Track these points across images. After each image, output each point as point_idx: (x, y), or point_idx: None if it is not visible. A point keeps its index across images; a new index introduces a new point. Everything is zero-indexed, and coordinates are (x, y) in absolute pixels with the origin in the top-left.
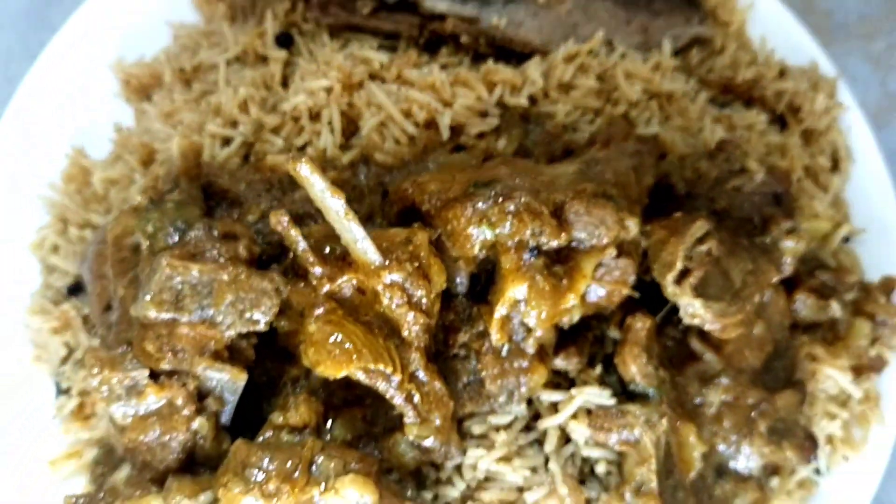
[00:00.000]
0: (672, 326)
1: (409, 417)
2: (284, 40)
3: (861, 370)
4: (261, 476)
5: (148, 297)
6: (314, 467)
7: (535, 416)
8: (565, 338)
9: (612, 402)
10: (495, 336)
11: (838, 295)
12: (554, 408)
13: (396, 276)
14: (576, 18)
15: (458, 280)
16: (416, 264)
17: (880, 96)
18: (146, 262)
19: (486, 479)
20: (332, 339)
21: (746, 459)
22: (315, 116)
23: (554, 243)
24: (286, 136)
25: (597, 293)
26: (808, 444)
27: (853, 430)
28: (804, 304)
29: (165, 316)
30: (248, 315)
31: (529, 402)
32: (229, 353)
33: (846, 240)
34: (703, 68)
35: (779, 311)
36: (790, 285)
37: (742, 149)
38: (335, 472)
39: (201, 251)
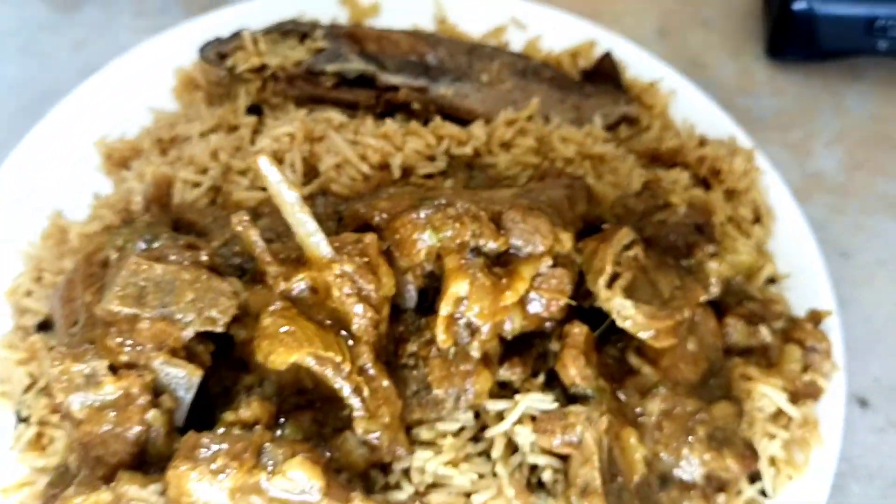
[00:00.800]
0: (611, 345)
1: (358, 411)
2: (254, 110)
3: (797, 397)
4: (209, 454)
5: (112, 292)
6: (263, 454)
7: (483, 430)
8: (510, 352)
9: (554, 405)
10: (441, 337)
11: (767, 322)
12: (500, 418)
13: (347, 268)
14: (515, 96)
15: (406, 295)
16: (366, 259)
17: (800, 176)
18: (115, 269)
19: (434, 485)
20: (284, 330)
21: (688, 466)
22: (279, 160)
23: (493, 245)
24: (252, 178)
25: (538, 304)
26: (749, 454)
27: (795, 453)
28: (734, 329)
29: (128, 311)
30: (206, 313)
31: (477, 415)
32: (187, 356)
33: (772, 281)
34: (631, 142)
35: (710, 331)
36: (719, 313)
37: (665, 188)
38: (284, 457)
39: (165, 255)
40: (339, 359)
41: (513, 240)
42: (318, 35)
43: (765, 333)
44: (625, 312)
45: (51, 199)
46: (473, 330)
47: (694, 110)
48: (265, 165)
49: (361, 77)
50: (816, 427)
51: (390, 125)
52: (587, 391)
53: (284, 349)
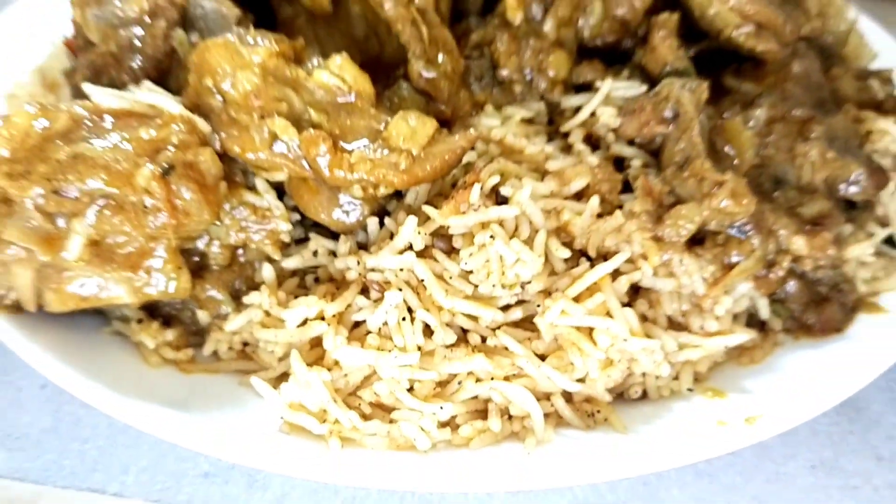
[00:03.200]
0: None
1: (414, 50)
2: None
3: None
4: (244, 32)
5: None
6: (305, 60)
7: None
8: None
9: (642, 90)
10: (510, 2)
11: (875, 78)
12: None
13: None
14: None
15: None
16: None
17: None
18: None
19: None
20: None
21: (806, 166)
22: None
23: None
24: None
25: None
26: (877, 168)
27: None
28: (842, 80)
29: None
30: None
31: (551, 121)
32: None
33: None
34: None
35: (816, 69)
36: None
37: None
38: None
39: None
40: None
41: None
42: None
43: (877, 87)
44: None
45: None
46: (547, 5)
47: None
48: None
49: None
50: None
51: None
52: (679, 67)
53: None
